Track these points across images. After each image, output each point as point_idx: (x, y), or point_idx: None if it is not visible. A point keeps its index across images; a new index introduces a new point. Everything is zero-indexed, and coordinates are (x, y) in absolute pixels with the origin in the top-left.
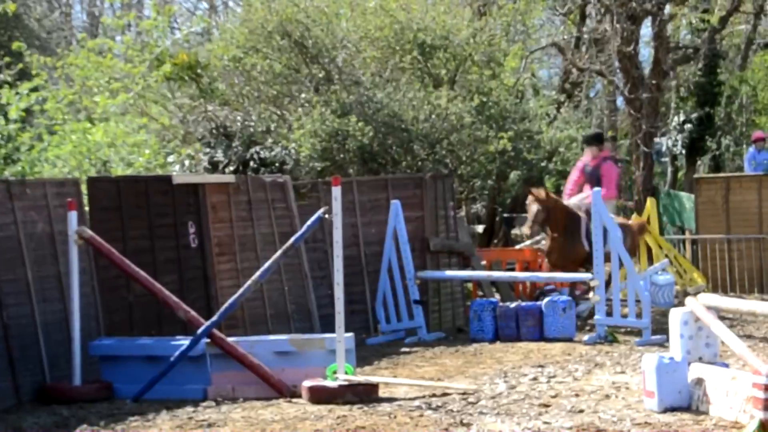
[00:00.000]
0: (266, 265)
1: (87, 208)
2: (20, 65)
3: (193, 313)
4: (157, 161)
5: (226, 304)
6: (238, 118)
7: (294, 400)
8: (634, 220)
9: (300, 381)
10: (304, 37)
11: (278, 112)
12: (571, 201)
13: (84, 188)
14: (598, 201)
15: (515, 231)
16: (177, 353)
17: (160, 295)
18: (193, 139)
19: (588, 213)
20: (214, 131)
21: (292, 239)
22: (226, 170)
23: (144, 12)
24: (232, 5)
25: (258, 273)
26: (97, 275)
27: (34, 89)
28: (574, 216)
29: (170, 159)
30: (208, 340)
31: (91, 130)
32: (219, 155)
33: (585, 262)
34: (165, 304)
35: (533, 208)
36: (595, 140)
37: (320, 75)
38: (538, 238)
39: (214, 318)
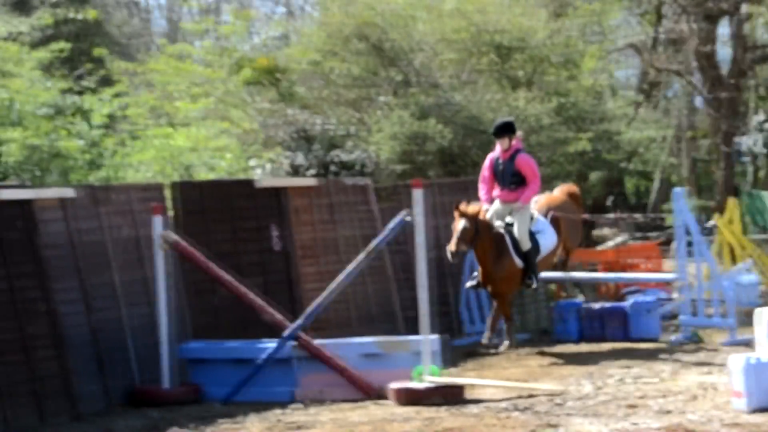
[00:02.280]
0: (352, 267)
1: (171, 213)
2: (102, 71)
3: (278, 315)
4: (239, 165)
5: (312, 306)
6: (318, 121)
7: (381, 402)
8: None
9: (386, 383)
10: (382, 41)
11: (357, 115)
12: (491, 209)
13: (168, 193)
14: (679, 198)
15: (597, 232)
16: (265, 356)
17: (245, 299)
18: (274, 143)
19: (507, 226)
20: (294, 135)
21: (375, 242)
22: (307, 173)
23: (222, 17)
24: (309, 10)
25: (344, 275)
26: (183, 279)
27: (116, 95)
28: (498, 234)
29: (252, 163)
30: (295, 343)
31: (173, 135)
32: (300, 159)
33: (524, 279)
34: (250, 308)
35: (460, 224)
36: (506, 130)
37: (398, 78)
38: (620, 240)
39: (301, 320)
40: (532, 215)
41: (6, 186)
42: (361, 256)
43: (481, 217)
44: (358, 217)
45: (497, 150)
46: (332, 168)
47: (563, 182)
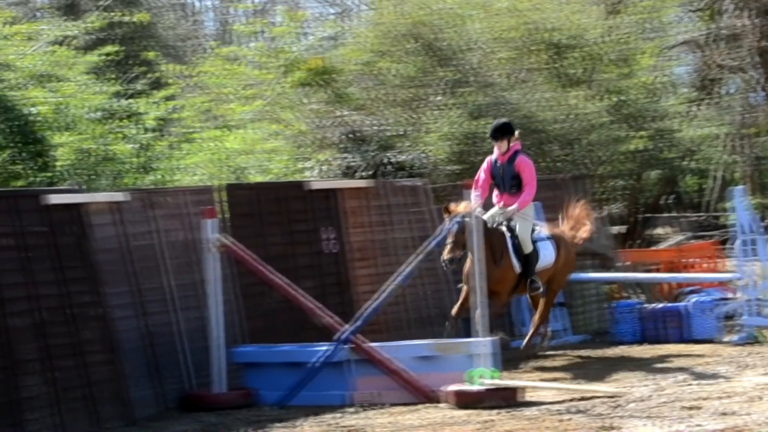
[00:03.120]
0: (408, 269)
1: (225, 215)
2: (153, 74)
3: (333, 319)
4: (292, 167)
5: (368, 309)
6: (371, 122)
7: (435, 405)
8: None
9: (443, 385)
10: (435, 40)
11: (412, 116)
12: (488, 214)
13: (220, 195)
14: (737, 196)
15: (655, 231)
16: (318, 359)
17: (298, 302)
18: (327, 145)
19: (509, 227)
20: (348, 136)
21: (429, 243)
22: (361, 175)
23: (274, 18)
24: (361, 9)
25: (400, 277)
26: (236, 282)
27: (168, 98)
28: (498, 232)
29: (303, 165)
30: (349, 346)
31: (226, 138)
32: (353, 160)
33: (518, 286)
34: (303, 311)
35: (453, 226)
36: (505, 131)
37: (452, 77)
38: (676, 239)
39: (357, 323)
40: (535, 224)
41: (58, 190)
42: (418, 257)
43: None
44: (412, 219)
45: (495, 153)
46: (385, 169)
47: (620, 181)
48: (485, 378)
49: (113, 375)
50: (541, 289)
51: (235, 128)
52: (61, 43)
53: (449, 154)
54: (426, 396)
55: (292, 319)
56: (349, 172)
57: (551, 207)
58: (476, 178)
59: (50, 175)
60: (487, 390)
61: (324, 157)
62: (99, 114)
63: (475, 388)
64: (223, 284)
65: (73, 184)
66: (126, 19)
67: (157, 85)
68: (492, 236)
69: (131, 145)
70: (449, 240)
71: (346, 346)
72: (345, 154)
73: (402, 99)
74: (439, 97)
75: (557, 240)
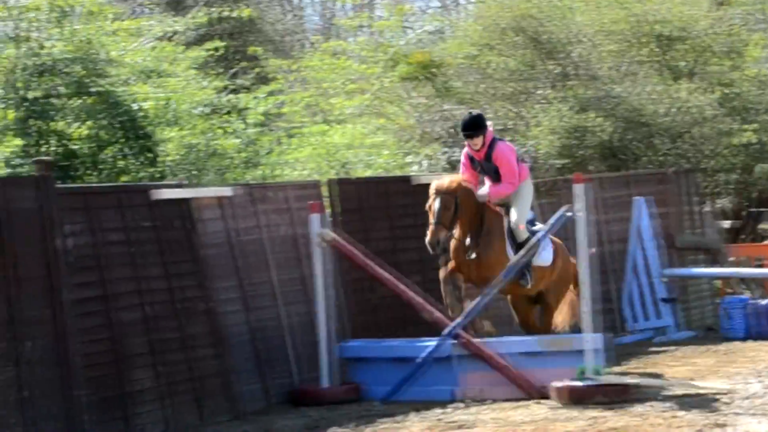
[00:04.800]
0: (511, 263)
1: (330, 210)
2: (257, 69)
3: (438, 313)
4: (396, 162)
5: (472, 305)
6: None
7: (543, 401)
8: None
9: (548, 382)
10: (539, 33)
11: (515, 110)
12: (481, 191)
13: (325, 190)
14: None
15: (763, 226)
16: (425, 354)
17: (405, 296)
18: (431, 139)
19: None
20: (451, 130)
21: (534, 238)
22: None
23: (376, 12)
24: (464, 3)
25: (503, 272)
26: (342, 277)
27: (272, 93)
28: (493, 212)
29: (409, 159)
30: (456, 341)
31: (330, 133)
32: (457, 154)
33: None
34: (410, 305)
35: (436, 204)
36: (478, 127)
37: (557, 71)
38: None
39: (461, 318)
40: (535, 219)
41: (166, 185)
42: (522, 252)
43: (462, 185)
44: None
45: (470, 148)
46: None
47: (727, 175)
48: (594, 374)
49: (220, 369)
50: (528, 285)
51: (339, 123)
52: (166, 39)
53: (554, 149)
54: (533, 392)
55: (399, 314)
56: (453, 167)
57: (661, 201)
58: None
59: (157, 170)
60: (597, 386)
61: (429, 152)
62: (204, 109)
63: (584, 384)
64: (329, 279)
65: (180, 180)
66: (230, 14)
67: (262, 80)
68: (485, 212)
69: (236, 141)
70: (431, 220)
71: (453, 342)
72: (449, 149)
73: (506, 93)
74: (543, 91)
75: (557, 247)
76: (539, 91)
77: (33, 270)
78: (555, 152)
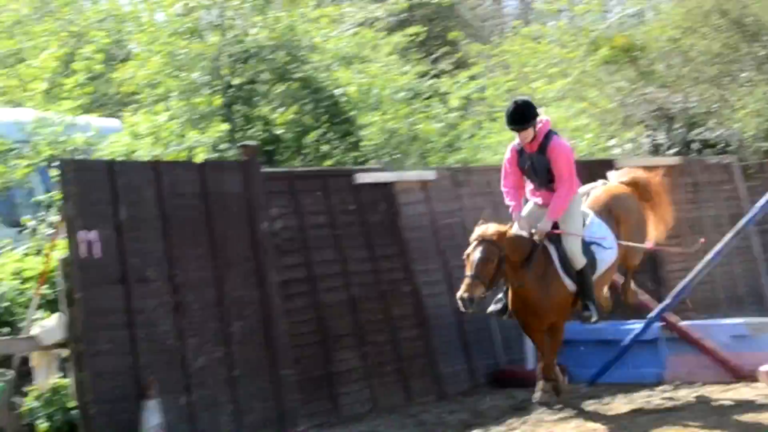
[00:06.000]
0: (718, 247)
1: None
2: (457, 54)
3: (645, 296)
4: (599, 145)
5: (678, 288)
6: (678, 99)
7: (753, 385)
8: None
9: (757, 365)
10: (743, 15)
11: (719, 93)
12: (524, 211)
13: None
14: None
15: None
16: (631, 337)
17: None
18: (634, 122)
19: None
20: (654, 114)
21: (742, 221)
22: (668, 153)
23: None
24: None
25: (710, 256)
26: None
27: (472, 77)
28: (536, 246)
29: (611, 143)
30: (662, 324)
31: None
32: (660, 138)
33: (575, 304)
34: (614, 288)
35: (476, 254)
36: (526, 117)
37: (762, 53)
38: None
39: (668, 301)
40: (585, 216)
41: (369, 169)
42: (729, 236)
43: (507, 235)
44: (723, 197)
45: (520, 140)
46: (694, 146)
47: None
48: None
49: (425, 350)
50: (594, 318)
51: (541, 107)
52: (367, 25)
53: (760, 131)
54: (741, 376)
55: None
56: (656, 150)
57: None
58: (503, 173)
59: (360, 154)
60: None
61: (630, 135)
62: (404, 94)
63: None
64: None
65: (381, 164)
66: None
67: (462, 65)
68: (536, 252)
69: (437, 125)
70: (468, 272)
71: (658, 324)
72: (653, 132)
73: (709, 76)
74: (747, 74)
75: (611, 204)
76: (744, 74)
77: (241, 252)
78: (761, 135)
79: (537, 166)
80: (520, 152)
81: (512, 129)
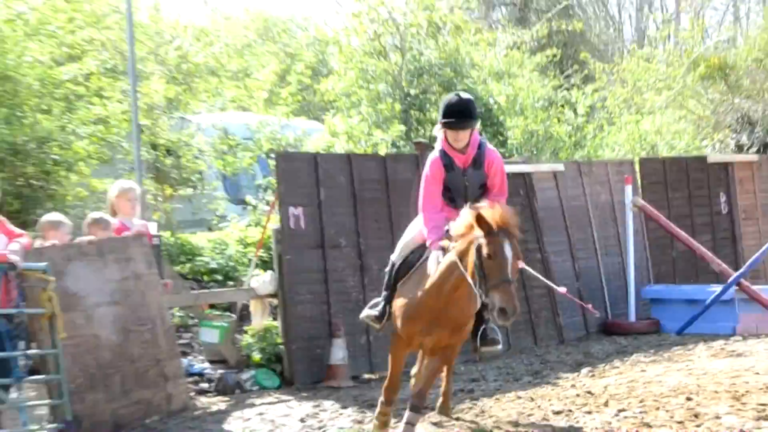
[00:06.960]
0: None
1: (639, 183)
2: (585, 72)
3: (724, 266)
4: (693, 145)
5: (751, 259)
6: (760, 108)
7: None
8: None
9: None
10: None
11: None
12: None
13: (637, 167)
14: None
15: None
16: (712, 297)
17: (698, 252)
18: (722, 127)
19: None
20: (739, 119)
21: None
22: (750, 152)
23: (681, 25)
24: (754, 16)
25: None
26: (647, 235)
27: (596, 90)
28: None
29: (704, 143)
30: (737, 288)
31: (641, 122)
32: (743, 139)
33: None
34: (702, 259)
35: (508, 249)
36: (472, 112)
37: None
38: None
39: (742, 269)
40: None
41: (512, 162)
42: None
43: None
44: None
45: (439, 144)
46: None
47: None
48: None
49: (550, 305)
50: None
51: (649, 114)
52: (515, 47)
53: None
54: None
55: (691, 266)
56: (740, 149)
57: None
58: (424, 194)
59: (506, 150)
60: None
61: (719, 137)
62: (542, 103)
63: None
64: (636, 237)
65: (522, 158)
66: (565, 27)
67: (588, 79)
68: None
69: (567, 128)
70: (509, 275)
71: (734, 288)
72: (737, 135)
73: None
74: None
75: None
76: None
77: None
78: None
79: (470, 180)
80: (447, 166)
81: (450, 126)
